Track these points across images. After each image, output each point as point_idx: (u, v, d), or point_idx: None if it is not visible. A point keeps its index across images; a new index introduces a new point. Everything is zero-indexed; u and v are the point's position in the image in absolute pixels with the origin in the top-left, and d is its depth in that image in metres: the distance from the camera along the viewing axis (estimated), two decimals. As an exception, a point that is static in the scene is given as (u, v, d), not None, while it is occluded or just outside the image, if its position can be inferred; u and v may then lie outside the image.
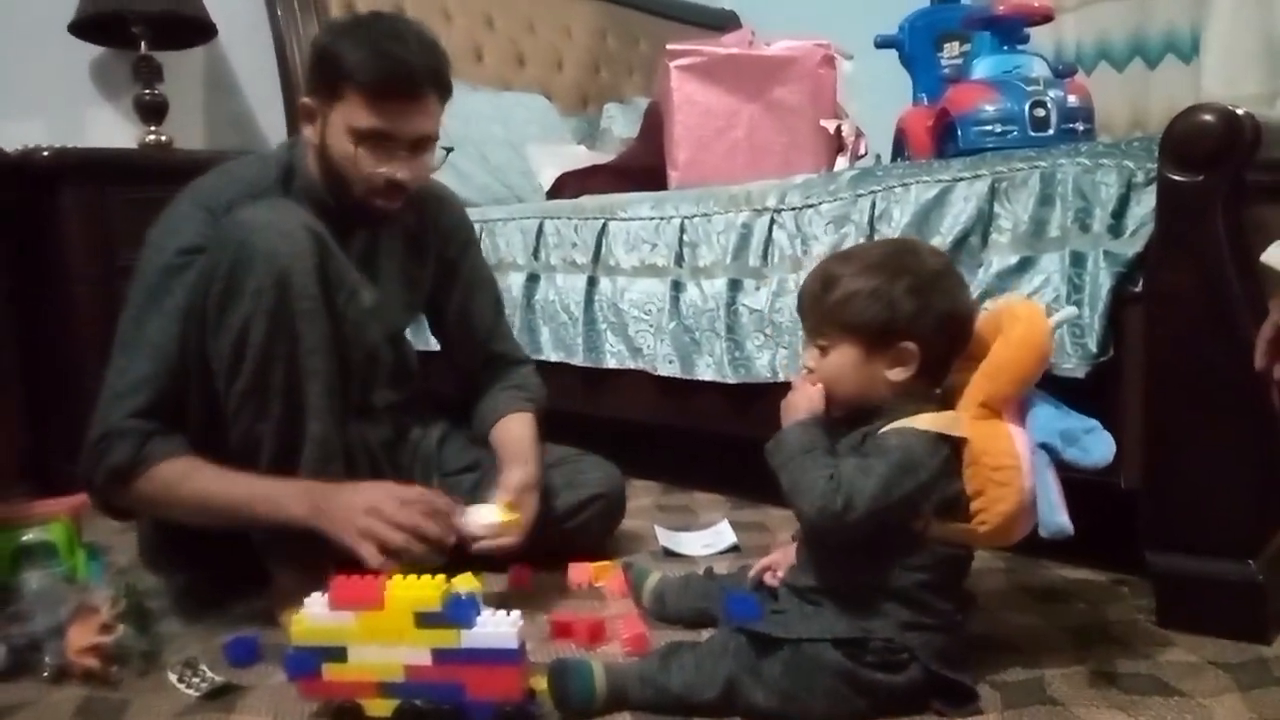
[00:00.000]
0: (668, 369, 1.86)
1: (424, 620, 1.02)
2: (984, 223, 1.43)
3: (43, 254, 2.15)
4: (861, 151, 2.18)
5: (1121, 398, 1.27)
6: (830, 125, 2.17)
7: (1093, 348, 1.26)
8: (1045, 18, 1.73)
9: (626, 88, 3.63)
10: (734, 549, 1.63)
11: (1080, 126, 1.60)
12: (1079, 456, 1.04)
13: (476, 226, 1.78)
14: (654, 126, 2.36)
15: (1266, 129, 1.17)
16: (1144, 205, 1.26)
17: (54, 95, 2.50)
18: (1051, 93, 1.59)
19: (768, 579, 1.23)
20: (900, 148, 1.93)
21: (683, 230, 1.86)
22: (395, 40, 1.33)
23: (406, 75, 1.33)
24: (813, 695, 1.01)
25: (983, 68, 1.68)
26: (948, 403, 1.10)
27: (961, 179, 1.46)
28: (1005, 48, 1.69)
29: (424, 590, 1.02)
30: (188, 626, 1.37)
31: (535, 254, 2.15)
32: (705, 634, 1.19)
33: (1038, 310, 1.10)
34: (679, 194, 1.97)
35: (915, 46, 2.03)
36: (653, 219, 1.92)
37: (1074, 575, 1.45)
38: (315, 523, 1.24)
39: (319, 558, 1.25)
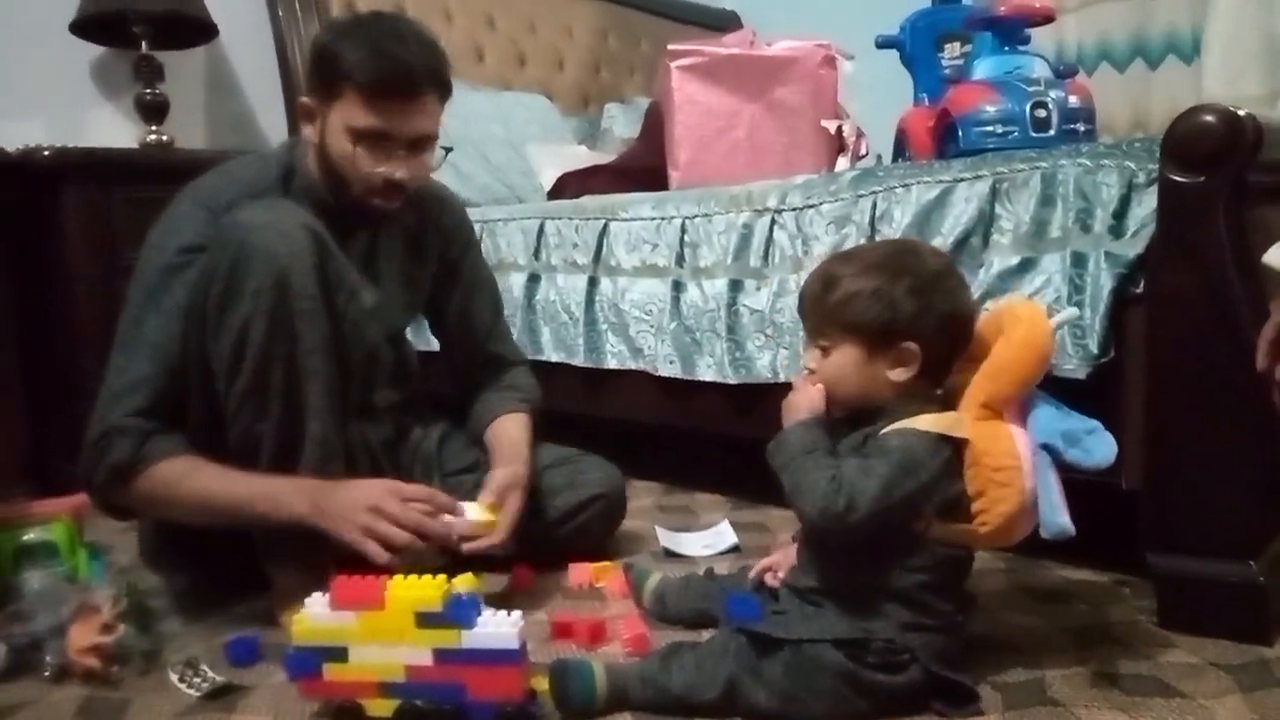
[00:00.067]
0: (668, 369, 1.86)
1: (425, 620, 1.02)
2: (985, 223, 1.43)
3: (44, 254, 2.15)
4: (862, 152, 2.18)
5: (1123, 399, 1.26)
6: (831, 126, 2.17)
7: (1094, 349, 1.26)
8: (1046, 18, 1.73)
9: (627, 88, 3.63)
10: (734, 550, 1.63)
11: (1081, 127, 1.60)
12: (1080, 457, 1.04)
13: (477, 227, 1.78)
14: (655, 127, 2.36)
15: (1268, 130, 1.17)
16: (1145, 206, 1.26)
17: (55, 95, 2.50)
18: (1053, 93, 1.59)
19: (768, 580, 1.23)
20: (901, 148, 1.93)
21: (684, 230, 1.86)
22: (394, 40, 1.33)
23: (405, 75, 1.33)
24: (813, 696, 1.01)
25: (984, 68, 1.68)
26: (949, 404, 1.10)
27: (962, 179, 1.46)
28: (1006, 48, 1.69)
29: (425, 590, 1.02)
30: (189, 626, 1.37)
31: (536, 254, 2.15)
32: (706, 634, 1.19)
33: (1039, 311, 1.10)
34: (680, 194, 1.97)
35: (916, 47, 2.03)
36: (654, 219, 1.92)
37: (1075, 576, 1.45)
38: (316, 521, 1.24)
39: (319, 557, 1.26)
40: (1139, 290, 1.25)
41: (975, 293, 1.38)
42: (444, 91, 1.40)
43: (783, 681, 1.02)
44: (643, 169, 2.36)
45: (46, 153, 2.09)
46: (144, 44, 2.46)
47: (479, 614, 1.02)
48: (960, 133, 1.62)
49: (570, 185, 2.51)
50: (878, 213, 1.56)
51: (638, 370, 1.93)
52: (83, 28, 2.42)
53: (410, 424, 1.64)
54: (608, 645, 1.26)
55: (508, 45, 3.31)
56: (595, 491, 1.59)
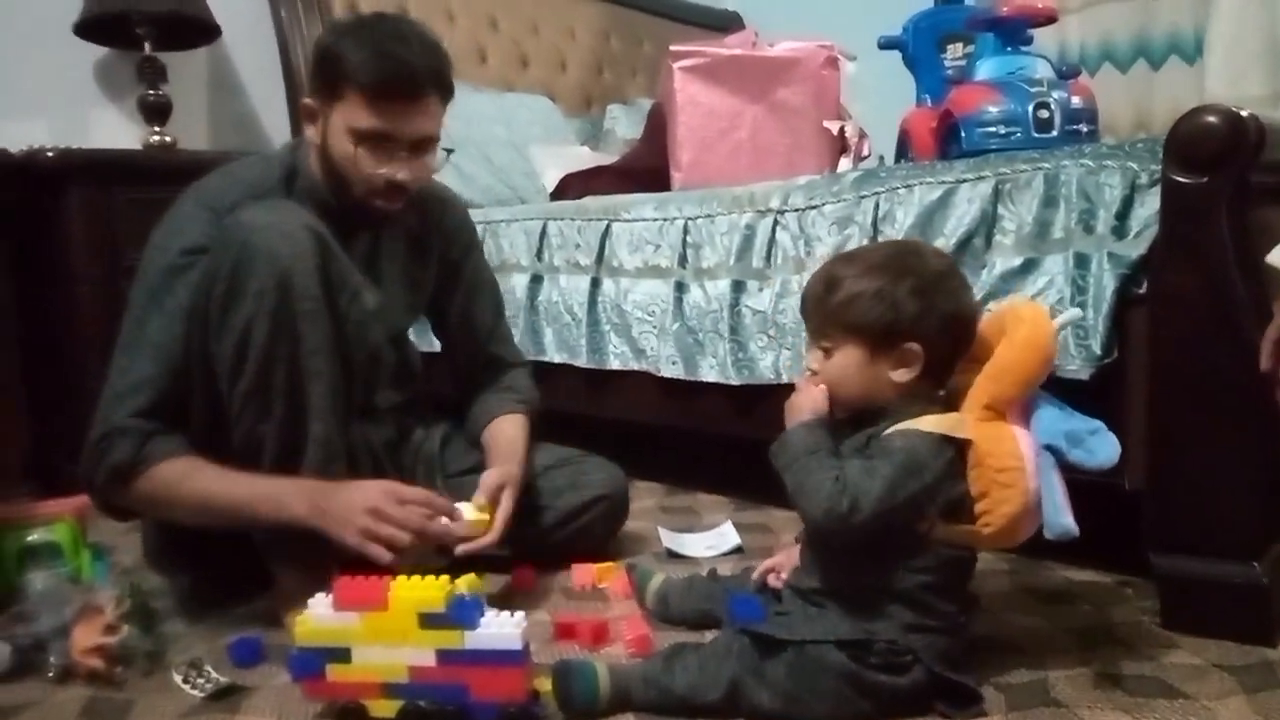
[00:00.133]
0: (671, 370, 1.86)
1: (428, 621, 1.02)
2: (988, 224, 1.43)
3: (46, 254, 2.15)
4: (865, 153, 2.18)
5: (1125, 400, 1.26)
6: (834, 126, 2.16)
7: (1097, 349, 1.26)
8: (1049, 19, 1.73)
9: (630, 89, 3.63)
10: (737, 550, 1.63)
11: (1084, 128, 1.60)
12: (1084, 458, 1.04)
13: (480, 228, 1.78)
14: (657, 128, 2.36)
15: (1271, 130, 1.17)
16: (1148, 207, 1.26)
17: (58, 96, 2.50)
18: (1055, 94, 1.59)
19: (771, 581, 1.23)
20: (904, 149, 1.93)
21: (686, 231, 1.86)
22: (397, 41, 1.33)
23: (407, 76, 1.33)
24: (816, 697, 1.01)
25: (986, 69, 1.68)
26: (952, 405, 1.10)
27: (965, 180, 1.46)
28: (1009, 49, 1.69)
29: (428, 591, 1.02)
30: (192, 627, 1.37)
31: (539, 255, 2.15)
32: (709, 635, 1.19)
33: (1042, 312, 1.10)
34: (682, 195, 1.97)
35: (919, 48, 2.03)
36: (656, 220, 1.92)
37: (1078, 577, 1.44)
38: (315, 522, 1.24)
39: (322, 558, 1.26)
40: (1142, 291, 1.25)
41: (978, 294, 1.38)
42: (446, 93, 1.40)
43: (786, 682, 1.02)
44: (645, 170, 2.36)
45: (50, 154, 2.09)
46: (147, 45, 2.46)
47: (482, 615, 1.02)
48: (963, 133, 1.62)
49: (573, 186, 2.51)
50: (880, 213, 1.56)
51: (640, 371, 1.93)
52: (86, 29, 2.42)
53: (412, 425, 1.64)
54: (610, 646, 1.26)
55: (510, 46, 3.31)
56: (598, 492, 1.59)
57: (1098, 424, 1.07)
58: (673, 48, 2.21)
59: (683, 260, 1.86)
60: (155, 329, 1.32)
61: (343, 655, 1.05)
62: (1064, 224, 1.34)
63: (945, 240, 1.45)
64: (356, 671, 1.05)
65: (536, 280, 2.14)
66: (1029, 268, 1.37)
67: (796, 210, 1.69)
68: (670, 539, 1.67)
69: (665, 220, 1.90)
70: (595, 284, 2.01)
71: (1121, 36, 2.96)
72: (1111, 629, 1.25)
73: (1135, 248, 1.25)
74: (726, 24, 3.91)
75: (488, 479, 1.41)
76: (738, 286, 1.75)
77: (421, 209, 1.56)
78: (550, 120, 3.10)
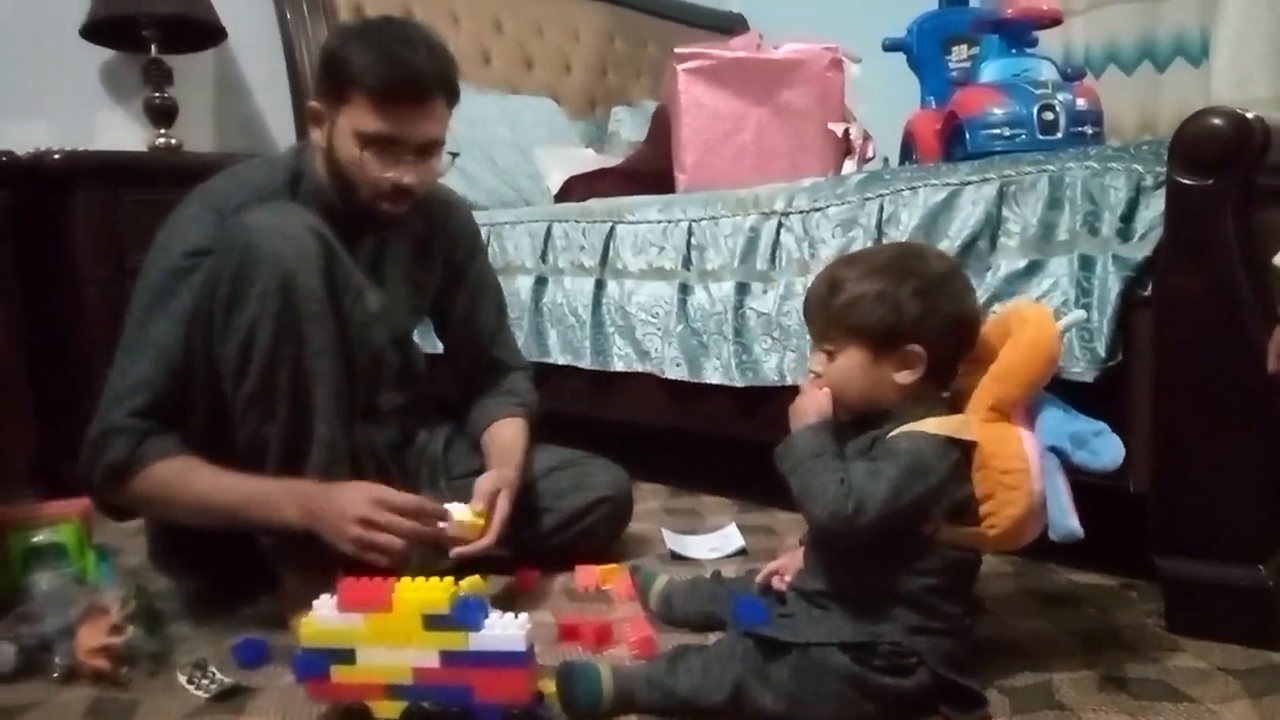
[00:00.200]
0: (675, 372, 1.86)
1: (432, 622, 1.02)
2: (992, 226, 1.43)
3: (52, 256, 2.16)
4: (869, 155, 2.18)
5: (1130, 402, 1.26)
6: (838, 128, 2.16)
7: (1101, 352, 1.26)
8: (1054, 21, 1.73)
9: (634, 91, 3.64)
10: (741, 552, 1.63)
11: (1089, 130, 1.60)
12: (1088, 459, 1.04)
13: (485, 230, 1.79)
14: (662, 130, 2.36)
15: (1276, 132, 1.17)
16: (1153, 209, 1.26)
17: (65, 98, 2.51)
18: (1060, 96, 1.59)
19: (775, 583, 1.23)
20: (908, 151, 1.93)
21: (690, 233, 1.86)
22: (403, 45, 1.34)
23: (413, 80, 1.33)
24: (820, 699, 1.01)
25: (991, 71, 1.68)
26: (956, 406, 1.10)
27: (970, 182, 1.46)
28: (1014, 51, 1.69)
29: (432, 593, 1.03)
30: (197, 628, 1.37)
31: (543, 257, 2.15)
32: (713, 637, 1.19)
33: (1046, 313, 1.10)
34: (686, 197, 1.97)
35: (923, 49, 2.03)
36: (660, 222, 1.92)
37: (1082, 580, 1.44)
38: (309, 525, 1.24)
39: (326, 560, 1.26)
40: (1147, 293, 1.25)
41: (982, 296, 1.38)
42: (452, 97, 1.41)
43: (790, 685, 1.02)
44: (649, 172, 2.36)
45: (56, 156, 2.10)
46: (153, 47, 2.47)
47: (486, 616, 1.02)
48: (967, 135, 1.62)
49: (577, 188, 2.51)
50: (885, 215, 1.55)
51: (644, 373, 1.93)
52: (92, 32, 2.43)
53: (416, 427, 1.65)
54: (614, 648, 1.26)
55: (515, 49, 3.31)
56: (602, 494, 1.59)
57: (1102, 426, 1.07)
58: (677, 50, 2.22)
59: (687, 262, 1.86)
60: (157, 330, 1.32)
61: (347, 656, 1.05)
62: (1069, 226, 1.34)
63: (950, 242, 1.45)
64: (361, 673, 1.05)
65: (541, 282, 2.15)
66: (1034, 270, 1.37)
67: (801, 212, 1.69)
68: (674, 541, 1.67)
69: (669, 222, 1.91)
70: (599, 286, 2.01)
71: (1126, 38, 2.96)
72: (1116, 632, 1.25)
73: (1140, 250, 1.25)
74: (731, 26, 3.91)
75: (482, 484, 1.41)
76: (742, 288, 1.75)
77: (426, 212, 1.56)
78: (555, 122, 3.10)
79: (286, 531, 1.27)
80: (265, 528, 1.29)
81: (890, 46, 2.05)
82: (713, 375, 1.79)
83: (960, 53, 2.00)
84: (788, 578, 1.21)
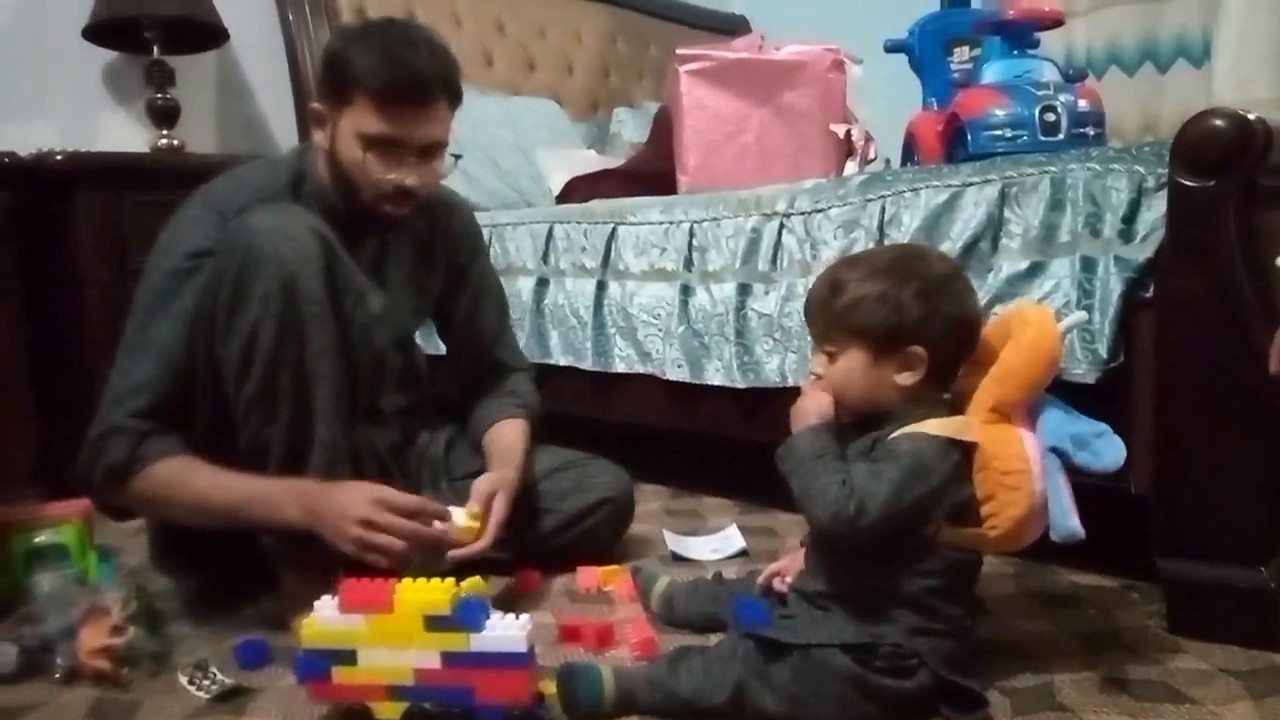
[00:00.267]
0: (677, 373, 1.86)
1: (433, 623, 1.02)
2: (994, 228, 1.43)
3: (55, 257, 2.16)
4: (871, 156, 2.18)
5: (1132, 403, 1.26)
6: (840, 130, 2.16)
7: (1103, 353, 1.26)
8: (1056, 22, 1.73)
9: (636, 92, 3.64)
10: (743, 554, 1.63)
11: (1091, 131, 1.60)
12: (1089, 460, 1.04)
13: (486, 231, 1.79)
14: (663, 131, 2.36)
15: (1278, 134, 1.17)
16: (1155, 210, 1.26)
17: (67, 99, 2.52)
18: (1062, 97, 1.59)
19: (776, 584, 1.23)
20: (910, 152, 1.93)
21: (692, 235, 1.86)
22: (406, 46, 1.34)
23: (416, 81, 1.33)
24: (821, 700, 1.01)
25: (993, 72, 1.68)
26: (958, 408, 1.10)
27: (971, 184, 1.46)
28: (1015, 52, 1.69)
29: (433, 593, 1.03)
30: (198, 629, 1.37)
31: (545, 258, 2.15)
32: (714, 639, 1.19)
33: (1048, 315, 1.10)
34: (688, 198, 1.98)
35: (925, 51, 2.03)
36: (662, 223, 1.93)
37: (1084, 581, 1.44)
38: (310, 525, 1.24)
39: (327, 561, 1.26)
40: (1148, 294, 1.25)
41: (984, 297, 1.38)
42: (455, 98, 1.41)
43: (791, 686, 1.02)
44: (651, 173, 2.37)
45: (59, 157, 2.10)
46: (155, 49, 2.47)
47: (487, 617, 1.03)
48: (969, 137, 1.61)
49: (579, 189, 2.51)
50: (886, 217, 1.56)
51: (646, 374, 1.93)
52: (95, 33, 2.43)
53: (418, 428, 1.65)
54: (615, 649, 1.26)
55: (517, 50, 3.31)
56: (603, 495, 1.59)
57: (1103, 427, 1.07)
58: (679, 51, 2.22)
59: (688, 263, 1.86)
60: (158, 331, 1.32)
61: (348, 657, 1.05)
62: (1070, 227, 1.34)
63: (951, 244, 1.45)
64: (362, 673, 1.05)
65: (542, 283, 2.15)
66: (1035, 271, 1.37)
67: (802, 213, 1.69)
68: (675, 542, 1.67)
69: (671, 223, 1.91)
70: (601, 287, 2.01)
71: (1128, 39, 2.96)
72: (1117, 633, 1.25)
73: (1142, 251, 1.25)
74: (733, 27, 3.91)
75: (479, 486, 1.41)
76: (743, 290, 1.75)
77: (429, 213, 1.57)
78: (557, 124, 3.10)
79: (287, 531, 1.27)
80: (266, 527, 1.29)
81: (892, 48, 2.05)
82: (714, 376, 1.79)
83: (962, 54, 2.00)
84: (789, 579, 1.21)
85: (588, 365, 2.02)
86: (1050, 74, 1.66)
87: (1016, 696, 1.08)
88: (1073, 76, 1.67)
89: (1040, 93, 1.59)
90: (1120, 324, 1.26)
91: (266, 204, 1.35)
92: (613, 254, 2.00)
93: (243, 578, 1.41)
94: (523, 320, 2.12)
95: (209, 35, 2.55)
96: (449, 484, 1.59)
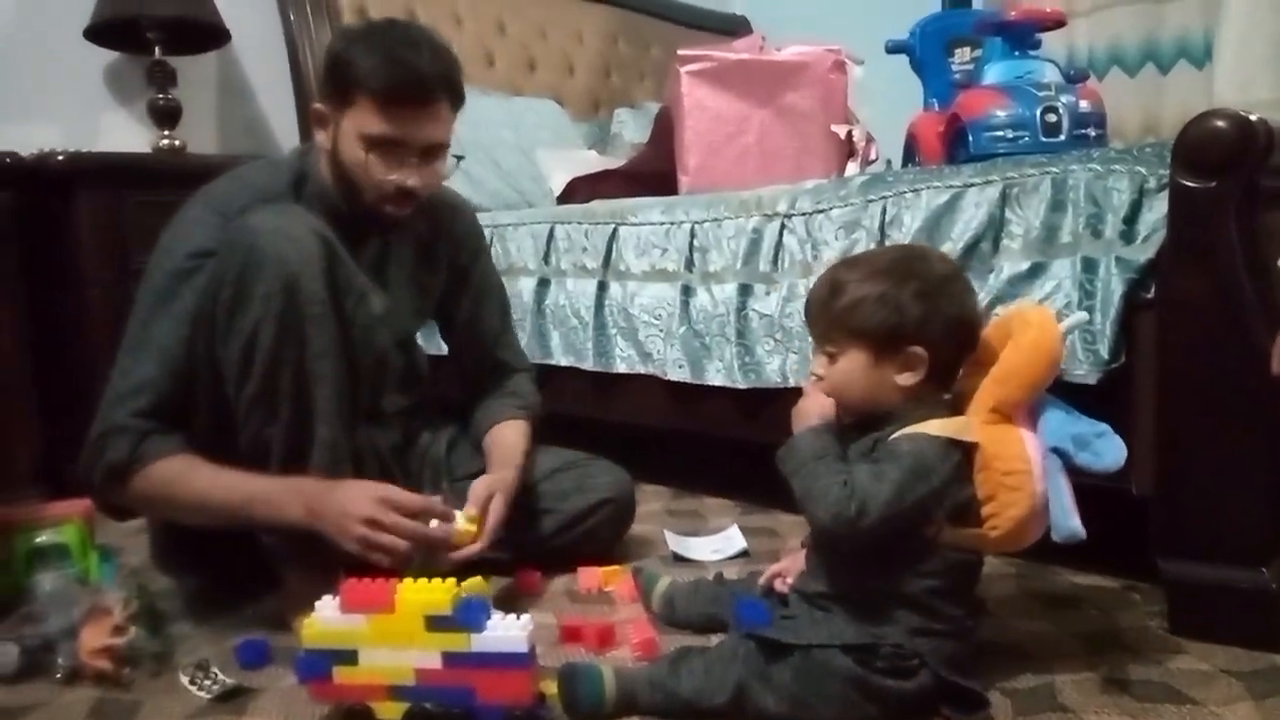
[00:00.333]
0: (678, 374, 1.86)
1: (434, 624, 1.02)
2: (995, 228, 1.43)
3: (56, 257, 2.16)
4: (872, 157, 2.18)
5: (1133, 404, 1.26)
6: (841, 130, 2.17)
7: (1104, 354, 1.26)
8: (1057, 23, 1.73)
9: (637, 93, 3.64)
10: (744, 554, 1.63)
11: (1092, 132, 1.60)
12: (1091, 461, 1.04)
13: (487, 232, 1.79)
14: (665, 132, 2.36)
15: (1279, 135, 1.17)
16: (1156, 211, 1.26)
17: (68, 100, 2.52)
18: (1063, 98, 1.59)
19: (778, 585, 1.23)
20: (911, 153, 1.93)
21: (693, 235, 1.86)
22: (408, 47, 1.34)
23: (418, 82, 1.33)
24: (822, 701, 1.01)
25: (994, 73, 1.68)
26: (958, 408, 1.10)
27: (973, 185, 1.46)
28: (1017, 53, 1.69)
29: (434, 594, 1.03)
30: (199, 628, 1.37)
31: (546, 259, 2.15)
32: (715, 639, 1.19)
33: (1049, 315, 1.10)
34: (689, 199, 1.98)
35: (926, 52, 2.03)
36: (663, 224, 1.93)
37: (1085, 582, 1.44)
38: (312, 525, 1.24)
39: (328, 561, 1.26)
40: (1150, 295, 1.25)
41: (985, 298, 1.38)
42: (457, 99, 1.41)
43: (791, 686, 1.02)
44: (652, 174, 2.37)
45: (60, 157, 2.10)
46: (157, 49, 2.47)
47: (488, 617, 1.03)
48: (970, 138, 1.61)
49: (580, 190, 2.51)
50: (887, 218, 1.56)
51: (647, 374, 1.93)
52: (96, 33, 2.44)
53: (419, 429, 1.65)
54: (617, 649, 1.26)
55: (518, 50, 3.32)
56: (604, 495, 1.59)
57: (1104, 427, 1.07)
58: (680, 52, 2.22)
59: (689, 264, 1.86)
60: (160, 331, 1.32)
61: (349, 657, 1.05)
62: (1072, 228, 1.34)
63: (953, 244, 1.45)
64: (363, 674, 1.05)
65: (543, 284, 2.15)
66: (1036, 272, 1.37)
67: (804, 214, 1.69)
68: (676, 542, 1.67)
69: (672, 224, 1.91)
70: (602, 287, 2.01)
71: (1130, 40, 2.96)
72: (1119, 634, 1.25)
73: (1143, 252, 1.25)
74: (734, 28, 3.91)
75: (477, 488, 1.41)
76: (744, 290, 1.75)
77: (431, 214, 1.57)
78: (558, 124, 3.10)
79: (289, 531, 1.27)
80: (268, 527, 1.29)
81: (893, 49, 2.05)
82: (715, 377, 1.79)
83: (963, 55, 2.00)
84: (790, 580, 1.21)
85: (589, 366, 2.03)
86: (1052, 75, 1.66)
87: (1017, 697, 1.08)
88: (1074, 77, 1.67)
89: (1042, 93, 1.59)
90: (1121, 325, 1.26)
91: (268, 204, 1.34)
92: (614, 254, 2.00)
93: (244, 577, 1.42)
94: (524, 321, 2.12)
95: (210, 36, 2.56)
96: (450, 484, 1.59)
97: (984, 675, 1.09)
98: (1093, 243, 1.31)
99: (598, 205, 2.19)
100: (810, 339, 1.22)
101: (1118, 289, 1.26)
